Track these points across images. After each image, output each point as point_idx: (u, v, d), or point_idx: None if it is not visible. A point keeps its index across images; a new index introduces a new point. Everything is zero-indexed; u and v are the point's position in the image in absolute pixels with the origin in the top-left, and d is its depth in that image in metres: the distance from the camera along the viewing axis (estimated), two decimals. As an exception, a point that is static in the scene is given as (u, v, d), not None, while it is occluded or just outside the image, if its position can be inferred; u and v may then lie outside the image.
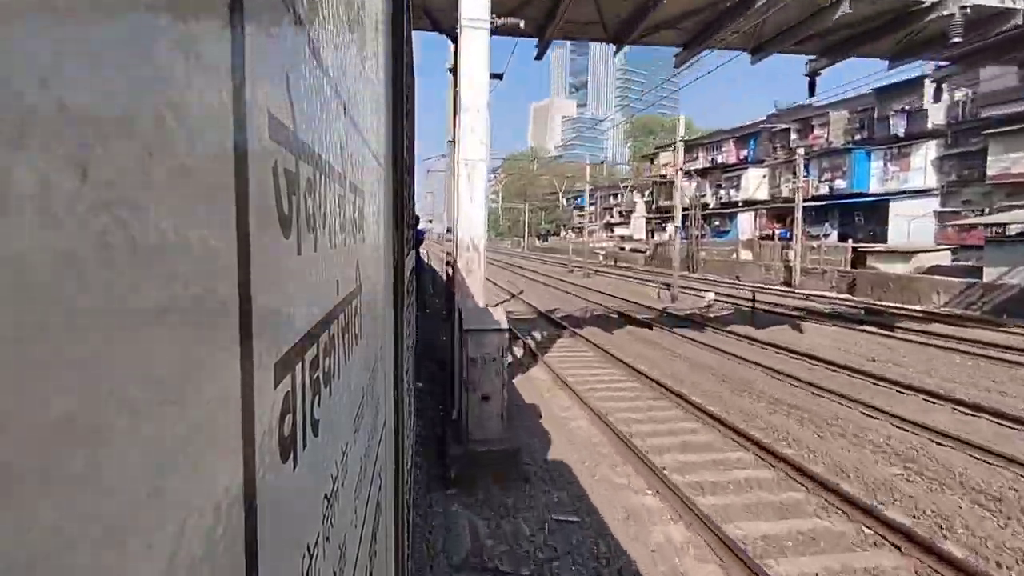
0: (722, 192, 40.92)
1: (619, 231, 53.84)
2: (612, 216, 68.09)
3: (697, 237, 36.09)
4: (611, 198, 68.75)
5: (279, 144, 0.43)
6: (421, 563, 4.10)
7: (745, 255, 33.49)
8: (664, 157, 45.79)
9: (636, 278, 29.87)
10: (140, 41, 0.23)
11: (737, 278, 30.10)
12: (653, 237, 46.39)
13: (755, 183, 37.41)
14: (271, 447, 0.40)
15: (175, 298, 0.26)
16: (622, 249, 44.71)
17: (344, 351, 0.79)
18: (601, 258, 39.14)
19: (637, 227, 49.37)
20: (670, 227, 45.55)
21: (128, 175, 0.22)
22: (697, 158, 43.16)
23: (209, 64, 0.29)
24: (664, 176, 43.14)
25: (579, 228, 75.44)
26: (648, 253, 42.86)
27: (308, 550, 0.52)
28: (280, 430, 0.43)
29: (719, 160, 42.48)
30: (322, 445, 0.60)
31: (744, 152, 40.18)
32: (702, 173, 40.26)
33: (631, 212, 63.20)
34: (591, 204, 72.57)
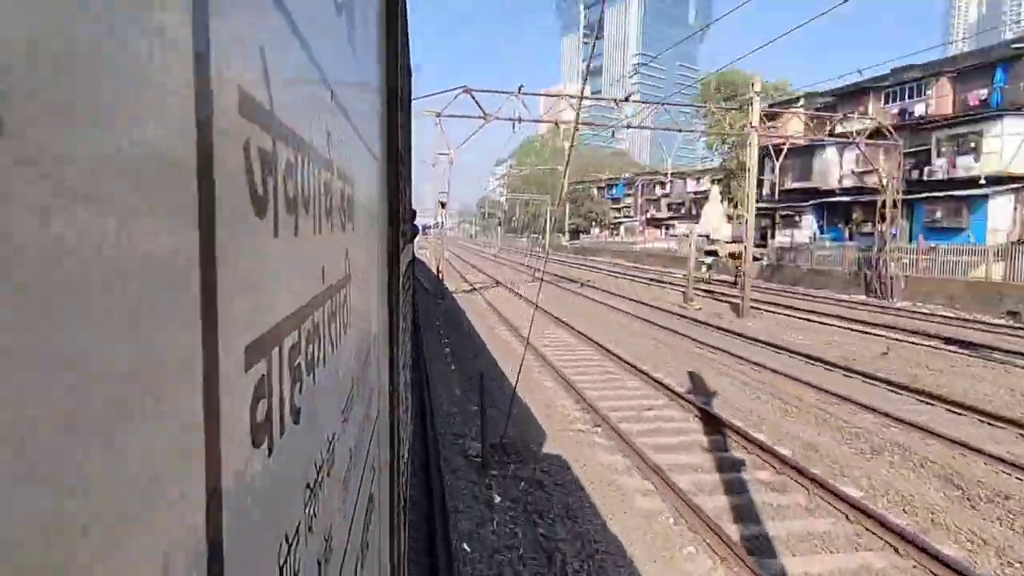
0: (938, 163, 22.17)
1: (685, 227, 40.99)
2: (658, 209, 55.49)
3: (890, 237, 20.30)
4: (656, 188, 55.11)
5: (251, 121, 0.42)
6: None
7: (995, 270, 17.26)
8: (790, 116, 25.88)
9: (864, 325, 14.14)
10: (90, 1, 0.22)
11: (1011, 315, 14.83)
12: (772, 237, 30.69)
13: (1013, 144, 20.12)
14: (241, 432, 0.39)
15: (127, 269, 0.25)
16: (714, 255, 27.39)
17: (331, 340, 0.78)
18: (704, 269, 23.62)
19: (713, 222, 35.38)
20: (809, 221, 27.84)
21: (72, 140, 0.21)
22: (865, 110, 25.00)
23: (166, 25, 0.28)
24: (782, 142, 22.84)
25: (615, 224, 62.44)
26: (767, 262, 27.32)
27: (286, 539, 0.51)
28: (252, 414, 0.42)
29: (915, 112, 23.99)
30: (303, 433, 0.59)
31: (979, 93, 22.07)
32: (883, 133, 20.93)
33: (681, 204, 51.72)
34: (628, 195, 61.09)
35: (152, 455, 0.27)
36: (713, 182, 42.95)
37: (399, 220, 2.06)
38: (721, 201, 38.46)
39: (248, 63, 0.41)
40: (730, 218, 37.27)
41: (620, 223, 62.35)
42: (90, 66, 0.22)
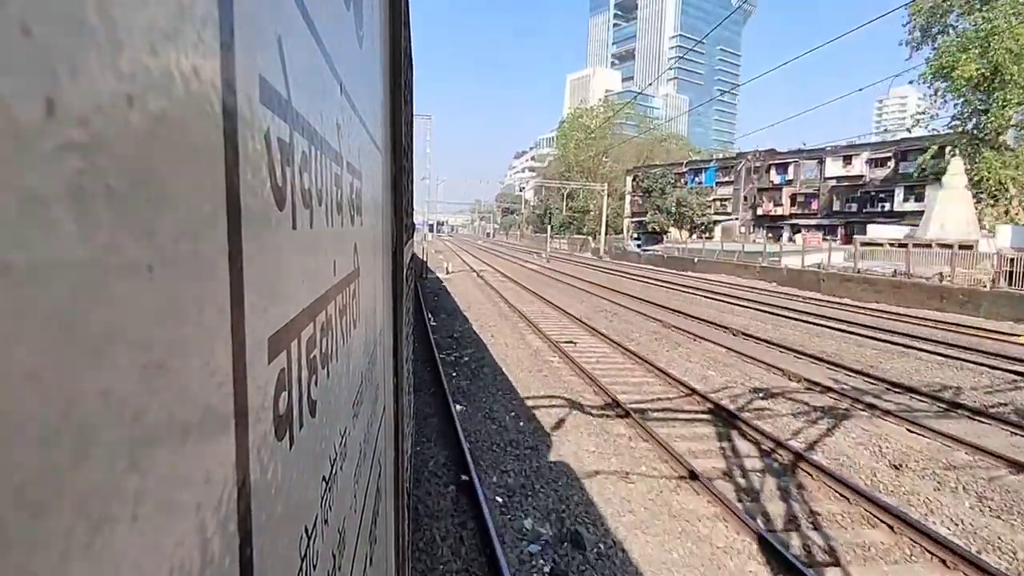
0: None
1: (885, 231, 25.26)
2: (776, 202, 38.89)
3: None
4: (769, 172, 39.18)
5: (272, 111, 0.41)
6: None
7: None
8: None
9: None
10: None
11: None
12: None
13: None
14: (266, 424, 0.39)
15: (161, 256, 0.24)
16: None
17: (342, 333, 0.78)
18: None
19: (956, 221, 20.94)
20: None
21: (103, 116, 0.20)
22: None
23: (195, 13, 0.28)
24: None
25: (708, 224, 41.59)
26: None
27: (306, 532, 0.51)
28: (275, 406, 0.41)
29: None
30: (320, 426, 0.59)
31: None
32: None
33: (813, 196, 35.71)
34: (723, 183, 42.02)
35: (186, 444, 0.27)
36: (945, 151, 25.54)
37: (403, 213, 2.05)
38: (970, 186, 21.87)
39: (268, 51, 0.41)
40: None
41: (715, 222, 42.74)
42: (124, 56, 0.22)
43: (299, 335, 0.50)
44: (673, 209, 43.97)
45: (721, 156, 45.86)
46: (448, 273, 24.83)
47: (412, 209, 3.95)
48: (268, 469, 0.39)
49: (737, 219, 41.05)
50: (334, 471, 0.69)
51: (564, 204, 58.61)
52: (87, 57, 0.20)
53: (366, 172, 1.15)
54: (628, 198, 49.46)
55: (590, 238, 48.48)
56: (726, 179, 43.35)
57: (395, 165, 1.88)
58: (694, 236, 40.89)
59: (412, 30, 3.40)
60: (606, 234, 43.68)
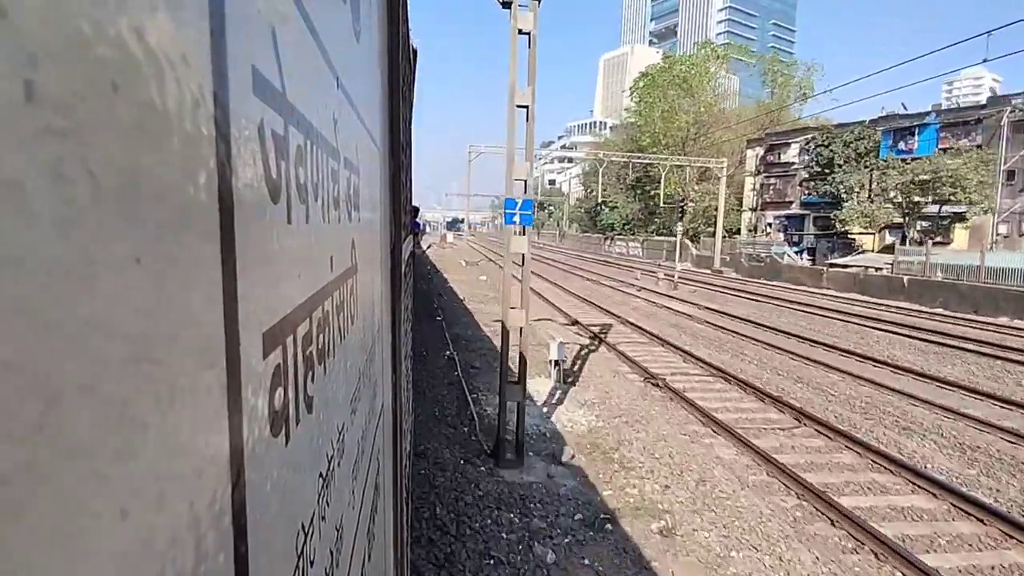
0: None
1: None
2: None
3: None
4: None
5: (265, 102, 0.41)
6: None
7: None
8: None
9: None
10: None
11: None
12: None
13: None
14: (260, 418, 0.38)
15: (149, 248, 0.24)
16: None
17: (339, 329, 0.77)
18: None
19: None
20: None
21: (86, 102, 0.20)
22: None
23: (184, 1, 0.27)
24: None
25: (943, 223, 21.57)
26: None
27: (303, 529, 0.51)
28: (271, 402, 0.41)
29: None
30: (316, 423, 0.59)
31: None
32: None
33: None
34: (957, 149, 22.60)
35: (178, 440, 0.26)
36: None
37: (401, 210, 2.05)
38: None
39: (261, 42, 0.40)
40: None
41: (955, 219, 23.60)
42: (108, 41, 0.21)
43: (295, 331, 0.50)
44: (902, 193, 23.76)
45: (941, 109, 25.71)
46: (565, 379, 7.90)
47: (412, 207, 3.94)
48: (263, 466, 0.38)
49: (992, 210, 22.34)
50: (331, 468, 0.68)
51: (635, 193, 41.35)
52: (68, 41, 0.19)
53: (364, 168, 1.15)
54: (751, 181, 32.48)
55: (689, 242, 33.07)
56: (961, 142, 23.70)
57: (393, 162, 1.87)
58: (902, 241, 23.02)
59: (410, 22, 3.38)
60: (725, 237, 29.61)
